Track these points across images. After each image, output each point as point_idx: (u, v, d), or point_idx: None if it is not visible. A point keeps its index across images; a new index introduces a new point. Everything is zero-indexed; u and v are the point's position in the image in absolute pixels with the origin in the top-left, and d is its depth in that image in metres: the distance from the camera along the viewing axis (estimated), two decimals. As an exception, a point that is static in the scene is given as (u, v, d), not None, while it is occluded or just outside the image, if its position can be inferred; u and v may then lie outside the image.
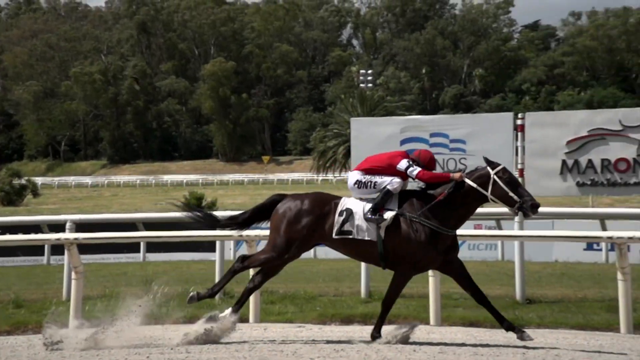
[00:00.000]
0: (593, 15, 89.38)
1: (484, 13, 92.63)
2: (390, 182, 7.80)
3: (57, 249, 16.34)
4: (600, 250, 17.85)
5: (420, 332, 8.30)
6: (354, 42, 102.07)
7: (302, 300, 10.88)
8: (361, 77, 67.14)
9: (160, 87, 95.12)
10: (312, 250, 17.52)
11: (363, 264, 11.44)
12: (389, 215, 7.70)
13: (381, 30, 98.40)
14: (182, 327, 8.23)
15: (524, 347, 7.59)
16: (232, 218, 8.43)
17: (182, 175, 75.19)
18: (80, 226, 11.86)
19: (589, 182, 13.49)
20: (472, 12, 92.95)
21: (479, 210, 8.80)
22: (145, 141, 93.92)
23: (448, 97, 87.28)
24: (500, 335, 8.26)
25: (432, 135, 15.93)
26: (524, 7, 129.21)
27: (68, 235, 10.59)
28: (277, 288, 11.55)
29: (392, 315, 9.54)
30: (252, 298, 9.69)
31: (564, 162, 13.71)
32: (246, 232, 10.53)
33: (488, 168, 7.75)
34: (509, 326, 7.66)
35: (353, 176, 8.05)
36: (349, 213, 7.82)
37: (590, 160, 13.43)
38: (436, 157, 15.63)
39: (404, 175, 7.87)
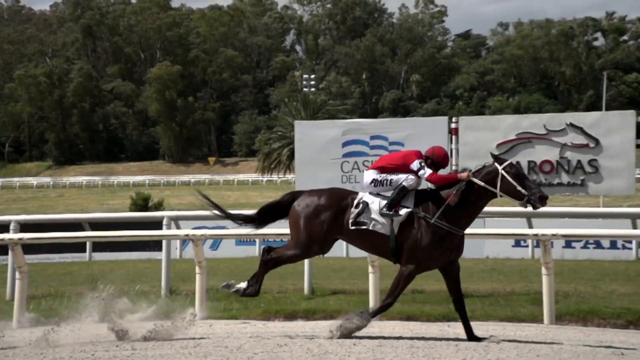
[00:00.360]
0: (519, 26, 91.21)
1: (419, 22, 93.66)
2: (406, 179, 7.71)
3: (1, 249, 16.00)
4: (527, 246, 18.19)
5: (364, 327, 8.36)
6: (297, 48, 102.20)
7: (245, 297, 10.83)
8: (304, 82, 67.24)
9: (106, 90, 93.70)
10: (256, 248, 17.61)
11: (306, 262, 11.47)
12: (403, 212, 7.62)
13: (323, 37, 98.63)
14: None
15: (457, 339, 7.70)
16: (247, 216, 8.33)
17: (128, 177, 74.18)
18: (25, 227, 11.62)
19: (518, 183, 13.72)
20: (408, 21, 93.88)
21: None
22: (91, 143, 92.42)
23: (387, 101, 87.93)
24: (435, 328, 8.38)
25: (373, 137, 16.05)
26: (457, 17, 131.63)
27: (12, 235, 10.39)
28: (223, 285, 11.49)
29: (333, 311, 9.61)
30: (197, 294, 9.63)
31: (495, 164, 13.92)
32: (192, 232, 10.54)
33: (496, 164, 7.70)
34: (474, 338, 7.64)
35: (369, 175, 7.94)
36: (365, 205, 7.73)
37: (518, 162, 13.66)
38: (374, 159, 15.89)
39: (417, 174, 7.78)
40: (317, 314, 9.53)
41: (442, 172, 7.92)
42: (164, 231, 11.92)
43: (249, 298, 10.72)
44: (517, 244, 18.64)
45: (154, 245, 15.30)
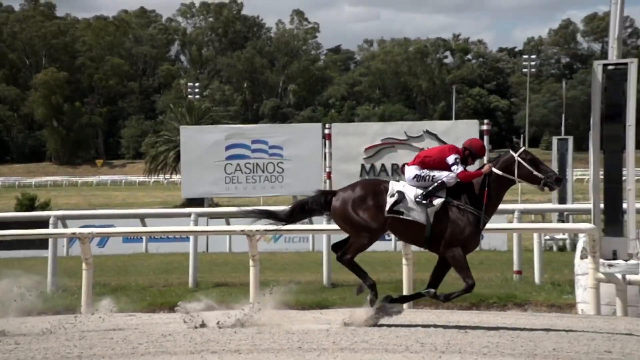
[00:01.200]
0: (382, 43, 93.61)
1: (295, 37, 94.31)
2: (447, 176, 7.59)
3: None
4: (390, 240, 18.61)
5: (245, 316, 8.30)
6: (182, 57, 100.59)
7: (133, 291, 10.55)
8: (189, 89, 66.40)
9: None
10: (143, 245, 17.16)
11: (191, 257, 11.30)
12: (438, 202, 7.52)
13: (206, 48, 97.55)
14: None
15: (329, 323, 7.77)
16: (272, 213, 8.12)
17: (14, 177, 70.57)
18: None
19: (384, 183, 14.01)
20: (285, 35, 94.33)
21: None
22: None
23: (267, 108, 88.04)
24: (310, 315, 8.42)
25: (254, 142, 16.03)
26: (328, 34, 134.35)
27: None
28: (109, 281, 11.16)
29: (216, 302, 9.48)
30: (84, 290, 9.28)
31: (362, 166, 14.25)
32: (79, 230, 10.16)
33: (511, 152, 7.65)
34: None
35: (411, 170, 7.78)
36: (402, 196, 7.59)
37: (383, 165, 14.08)
38: (256, 161, 15.96)
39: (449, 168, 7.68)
40: (200, 305, 9.37)
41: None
42: (51, 230, 11.48)
43: (135, 292, 10.50)
44: (383, 237, 18.96)
45: (40, 244, 14.64)
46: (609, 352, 6.39)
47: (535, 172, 7.55)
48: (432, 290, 7.69)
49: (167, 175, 49.23)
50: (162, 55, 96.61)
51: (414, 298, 8.24)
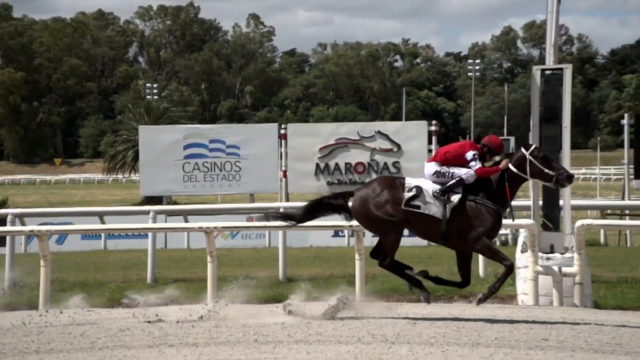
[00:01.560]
0: (335, 47, 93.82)
1: (251, 40, 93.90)
2: (466, 174, 7.51)
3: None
4: (344, 236, 18.70)
5: (203, 311, 8.29)
6: (140, 59, 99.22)
7: (91, 287, 10.40)
8: (147, 90, 65.56)
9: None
10: (102, 242, 16.91)
11: (150, 253, 11.19)
12: (456, 197, 7.44)
13: (164, 50, 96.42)
14: None
15: (281, 317, 7.79)
16: (289, 215, 8.07)
17: (-30, 176, 68.59)
18: None
19: (336, 181, 14.17)
20: (241, 38, 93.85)
21: (255, 205, 8.68)
22: None
23: (224, 109, 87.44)
24: (266, 309, 8.41)
25: (211, 141, 15.94)
26: (284, 37, 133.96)
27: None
28: (68, 277, 10.98)
29: (174, 297, 9.41)
30: (42, 285, 9.11)
31: (317, 165, 14.29)
32: (37, 228, 9.98)
33: (522, 149, 7.58)
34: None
35: (431, 167, 7.69)
36: (419, 190, 7.49)
37: (337, 164, 14.13)
38: (214, 160, 15.86)
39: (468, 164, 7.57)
40: (158, 300, 9.30)
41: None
42: (9, 227, 11.26)
43: (93, 288, 10.33)
44: (336, 234, 19.10)
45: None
46: (545, 339, 6.56)
47: (547, 170, 7.47)
48: (482, 296, 7.64)
49: (126, 174, 48.54)
50: (120, 56, 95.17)
51: (449, 284, 8.07)
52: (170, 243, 16.56)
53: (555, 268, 8.82)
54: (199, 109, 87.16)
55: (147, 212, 12.19)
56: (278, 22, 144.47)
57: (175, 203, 25.55)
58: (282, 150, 14.56)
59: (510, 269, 7.52)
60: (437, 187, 7.51)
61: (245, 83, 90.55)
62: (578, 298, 8.69)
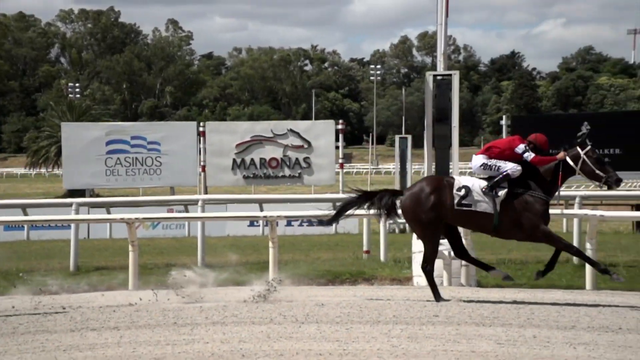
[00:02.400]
0: (250, 51, 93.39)
1: (170, 43, 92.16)
2: (512, 168, 7.36)
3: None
4: (259, 226, 18.65)
5: (122, 297, 8.08)
6: (62, 59, 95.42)
7: (14, 276, 9.94)
8: (69, 89, 63.21)
9: None
10: (25, 233, 16.19)
11: (72, 243, 10.83)
12: (503, 192, 7.32)
13: (86, 51, 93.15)
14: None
15: (201, 303, 7.70)
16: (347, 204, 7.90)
17: None
18: None
19: (251, 176, 14.12)
20: (161, 41, 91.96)
21: (175, 197, 8.43)
22: None
23: (145, 108, 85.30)
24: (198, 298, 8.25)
25: (133, 138, 15.56)
26: (201, 41, 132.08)
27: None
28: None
29: (96, 284, 9.13)
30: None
31: (234, 160, 14.20)
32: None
33: (578, 148, 7.44)
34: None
35: (478, 159, 7.57)
36: (468, 190, 7.34)
37: (252, 159, 14.08)
38: (136, 155, 15.51)
39: (519, 157, 7.43)
40: (81, 287, 9.02)
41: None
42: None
43: (16, 277, 9.86)
44: (252, 224, 19.00)
45: None
46: (436, 316, 6.76)
47: (598, 171, 7.42)
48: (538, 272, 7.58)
49: (49, 169, 46.66)
50: (42, 57, 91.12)
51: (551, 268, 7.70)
52: (93, 234, 16.09)
53: (446, 252, 9.06)
54: (121, 108, 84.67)
55: (70, 205, 11.78)
56: (196, 27, 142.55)
57: (98, 196, 24.78)
58: (201, 146, 14.38)
59: (575, 253, 7.74)
60: (484, 183, 7.45)
61: (165, 83, 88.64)
62: (464, 278, 8.96)
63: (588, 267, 8.53)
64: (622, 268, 10.00)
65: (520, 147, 7.52)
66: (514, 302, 7.39)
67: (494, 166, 7.51)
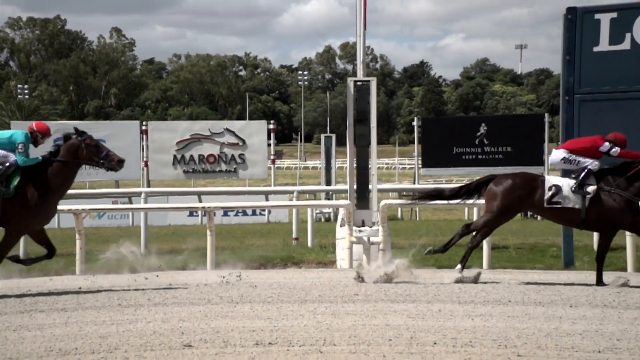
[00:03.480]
0: (189, 57, 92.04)
1: (114, 49, 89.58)
2: (591, 164, 7.24)
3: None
4: (198, 216, 18.39)
5: (69, 281, 7.76)
6: (11, 63, 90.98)
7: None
8: (19, 90, 60.39)
9: None
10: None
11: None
12: (592, 189, 7.22)
13: (34, 56, 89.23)
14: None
15: (143, 285, 7.51)
16: (456, 192, 7.74)
17: None
18: None
19: (191, 170, 13.87)
20: (105, 47, 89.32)
21: (120, 190, 8.05)
22: None
23: (91, 108, 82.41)
24: (129, 278, 8.05)
25: (78, 135, 15.07)
26: (144, 48, 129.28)
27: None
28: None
29: (48, 270, 8.76)
30: None
31: (175, 156, 13.88)
32: None
33: None
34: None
35: (559, 154, 7.45)
36: (558, 189, 7.27)
37: (191, 155, 13.81)
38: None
39: (600, 156, 7.32)
40: (29, 273, 8.62)
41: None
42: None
43: None
44: (191, 214, 18.73)
45: None
46: (356, 294, 6.84)
47: None
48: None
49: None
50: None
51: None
52: None
53: (365, 238, 9.19)
54: (68, 108, 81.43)
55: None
56: (138, 35, 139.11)
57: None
58: (144, 143, 13.98)
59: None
60: (572, 182, 7.35)
61: (110, 86, 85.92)
62: (382, 261, 9.10)
63: (485, 249, 8.83)
64: (513, 249, 10.43)
65: (606, 146, 7.45)
66: (424, 282, 7.52)
67: (573, 160, 7.45)
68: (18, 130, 7.43)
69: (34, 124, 7.67)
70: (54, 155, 7.35)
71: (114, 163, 7.33)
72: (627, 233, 8.35)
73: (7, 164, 7.02)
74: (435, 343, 4.87)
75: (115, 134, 14.71)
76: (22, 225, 7.09)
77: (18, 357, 4.63)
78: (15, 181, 6.96)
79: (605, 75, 8.90)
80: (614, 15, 8.92)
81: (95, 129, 15.24)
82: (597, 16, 8.95)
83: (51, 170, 7.19)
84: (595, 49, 8.93)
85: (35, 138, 7.35)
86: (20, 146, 7.07)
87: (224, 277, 7.80)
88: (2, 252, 7.15)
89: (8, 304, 6.51)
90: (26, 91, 59.79)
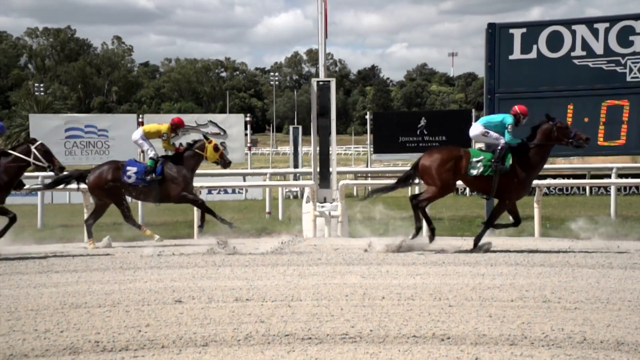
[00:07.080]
0: (178, 61, 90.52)
1: (115, 54, 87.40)
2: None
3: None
4: (136, 201, 17.88)
5: (79, 247, 7.45)
6: (30, 66, 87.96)
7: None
8: (36, 88, 58.58)
9: None
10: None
11: (39, 206, 9.97)
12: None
13: (48, 60, 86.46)
14: None
15: (141, 251, 7.26)
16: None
17: None
18: None
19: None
20: (108, 53, 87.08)
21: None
22: None
23: (96, 103, 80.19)
24: (101, 254, 7.80)
25: (86, 126, 14.65)
26: (140, 52, 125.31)
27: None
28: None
29: (61, 238, 8.41)
30: None
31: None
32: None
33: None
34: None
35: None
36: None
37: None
38: (89, 139, 14.46)
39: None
40: (46, 240, 8.35)
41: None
42: None
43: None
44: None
45: None
46: (319, 259, 6.79)
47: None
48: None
49: (19, 151, 42.87)
50: (13, 63, 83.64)
51: None
52: (56, 199, 15.19)
53: (327, 212, 9.13)
54: (77, 103, 79.08)
55: (37, 177, 10.93)
56: (135, 42, 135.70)
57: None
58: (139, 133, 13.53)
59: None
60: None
61: (112, 85, 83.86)
62: (340, 231, 9.04)
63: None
64: (446, 220, 10.51)
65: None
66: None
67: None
68: (507, 114, 7.06)
69: (516, 107, 7.09)
70: (530, 138, 6.96)
71: (581, 141, 6.91)
72: (535, 205, 8.31)
73: (500, 147, 6.88)
74: (383, 297, 4.84)
75: (116, 125, 14.42)
76: (513, 196, 6.97)
77: (38, 309, 4.56)
78: (510, 159, 6.85)
79: (518, 79, 9.04)
80: (524, 30, 9.07)
81: (99, 120, 14.86)
82: (511, 31, 9.09)
83: (532, 151, 6.91)
84: (510, 57, 9.06)
85: (517, 119, 6.98)
86: (509, 127, 6.93)
87: (210, 246, 7.55)
88: (494, 217, 7.05)
89: (29, 265, 6.40)
90: (42, 89, 58.23)
